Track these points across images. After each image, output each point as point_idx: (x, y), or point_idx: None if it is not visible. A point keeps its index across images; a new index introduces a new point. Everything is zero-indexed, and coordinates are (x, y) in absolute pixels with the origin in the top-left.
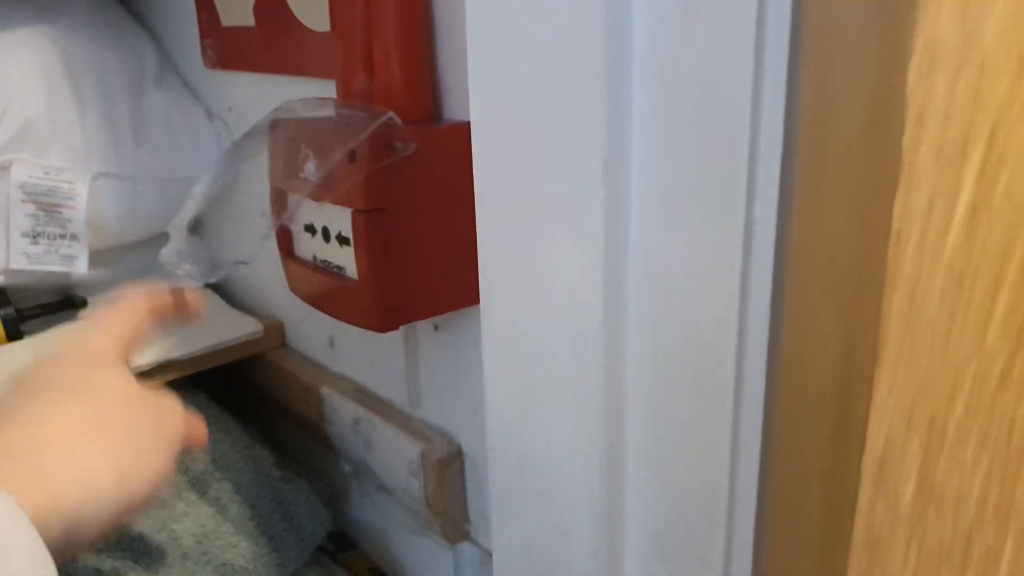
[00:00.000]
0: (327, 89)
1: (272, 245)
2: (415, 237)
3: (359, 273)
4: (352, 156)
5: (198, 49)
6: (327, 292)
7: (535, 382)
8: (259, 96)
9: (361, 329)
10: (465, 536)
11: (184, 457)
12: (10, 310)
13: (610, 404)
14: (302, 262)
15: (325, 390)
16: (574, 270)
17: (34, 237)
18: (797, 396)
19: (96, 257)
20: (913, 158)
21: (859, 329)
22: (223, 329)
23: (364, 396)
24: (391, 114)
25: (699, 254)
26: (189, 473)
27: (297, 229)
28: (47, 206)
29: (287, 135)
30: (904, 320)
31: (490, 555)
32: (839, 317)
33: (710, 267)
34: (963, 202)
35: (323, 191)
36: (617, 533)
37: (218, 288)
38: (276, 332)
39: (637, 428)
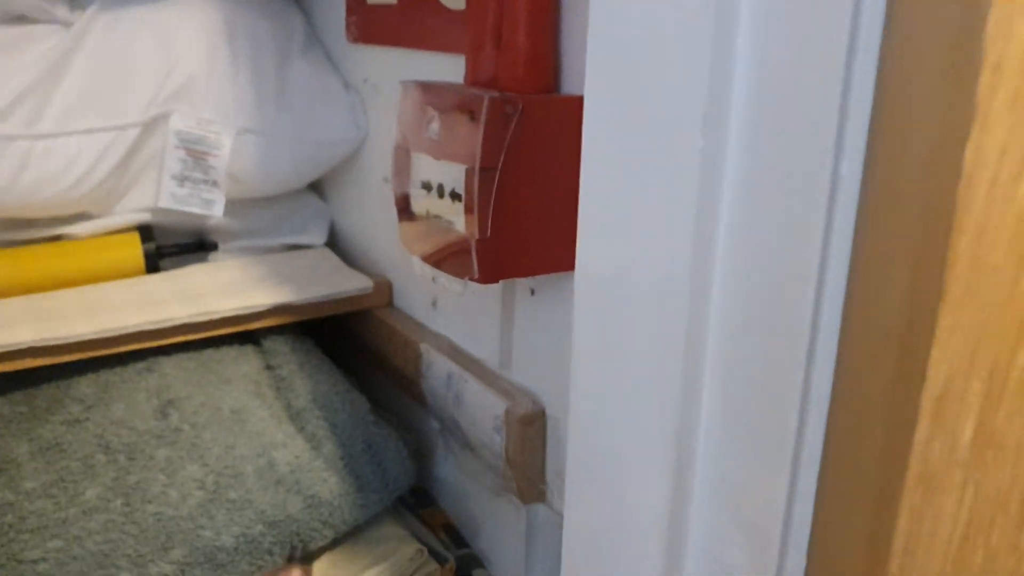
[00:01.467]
0: (457, 63)
1: (388, 211)
2: (521, 199)
3: (467, 226)
4: (472, 115)
5: (343, 24)
6: (437, 245)
7: (620, 350)
8: (393, 69)
9: (460, 292)
10: (541, 497)
11: (288, 393)
12: (151, 245)
13: (689, 349)
14: (416, 218)
15: (424, 346)
16: (666, 219)
17: (182, 180)
18: (863, 332)
19: (230, 207)
20: (988, 105)
21: (926, 268)
22: (336, 282)
23: (458, 354)
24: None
25: (788, 206)
26: (290, 408)
27: (414, 188)
28: (196, 153)
29: (416, 98)
30: (970, 262)
31: (562, 519)
32: (910, 258)
33: (798, 218)
34: None
35: (444, 148)
36: (685, 485)
37: (335, 247)
38: (385, 290)
39: (714, 374)
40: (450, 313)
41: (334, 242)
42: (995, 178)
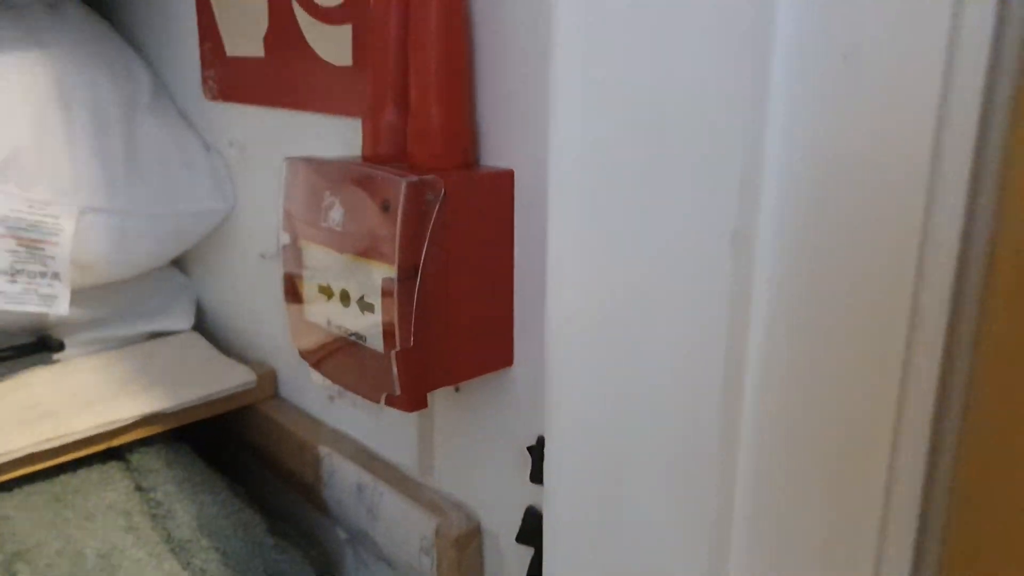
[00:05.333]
0: (344, 127)
1: (265, 290)
2: (449, 298)
3: (385, 346)
4: (386, 205)
5: (197, 79)
6: (342, 362)
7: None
8: (264, 131)
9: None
10: None
11: (167, 521)
12: None
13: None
14: (313, 324)
15: (324, 449)
16: (687, 342)
17: (12, 275)
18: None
19: (77, 295)
20: None
21: None
22: (212, 378)
23: (368, 459)
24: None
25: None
26: (171, 540)
27: (310, 286)
28: (29, 242)
29: (307, 180)
30: None
31: None
32: None
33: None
34: None
35: (348, 242)
36: None
37: (204, 330)
38: (269, 381)
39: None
40: (353, 407)
41: (202, 324)
42: None
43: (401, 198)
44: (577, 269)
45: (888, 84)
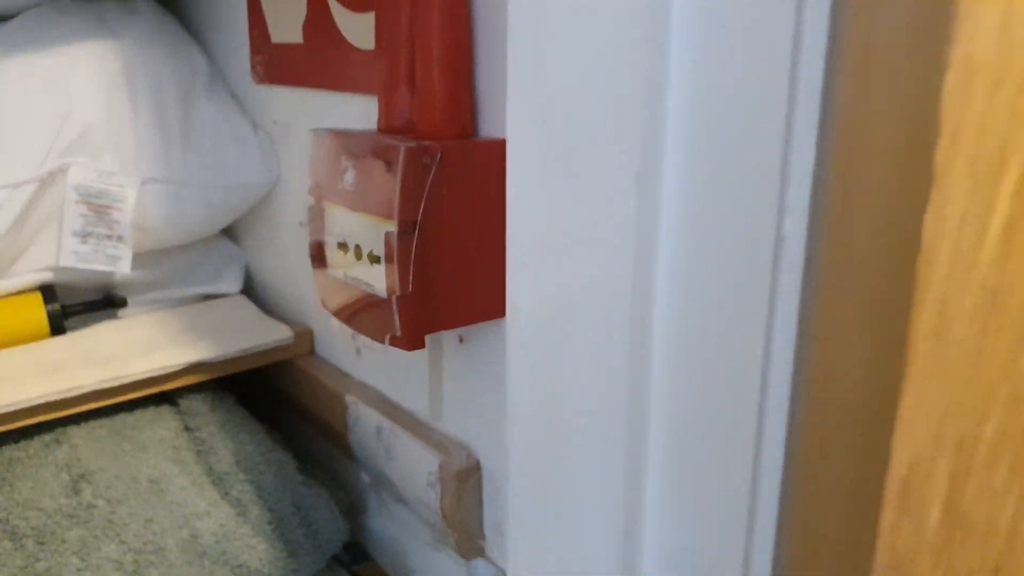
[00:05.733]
0: (370, 105)
1: (305, 256)
2: (445, 251)
3: (388, 292)
4: (388, 166)
5: (247, 64)
6: (356, 309)
7: (558, 396)
8: (303, 110)
9: (382, 351)
10: (480, 552)
11: (209, 456)
12: (56, 306)
13: (632, 418)
14: (333, 278)
15: (350, 398)
16: (602, 282)
17: (84, 237)
18: (822, 411)
19: (138, 259)
20: (946, 173)
21: (887, 344)
22: (254, 334)
23: (387, 406)
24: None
25: (728, 267)
26: (212, 473)
27: (331, 244)
28: (98, 208)
29: (329, 147)
30: (933, 336)
31: (504, 573)
32: (867, 331)
33: (739, 279)
34: (997, 219)
35: (360, 200)
36: (634, 551)
37: (252, 293)
38: (306, 339)
39: (659, 441)
40: (376, 362)
41: (250, 288)
42: (956, 248)
43: (400, 161)
44: (528, 217)
45: (750, 48)
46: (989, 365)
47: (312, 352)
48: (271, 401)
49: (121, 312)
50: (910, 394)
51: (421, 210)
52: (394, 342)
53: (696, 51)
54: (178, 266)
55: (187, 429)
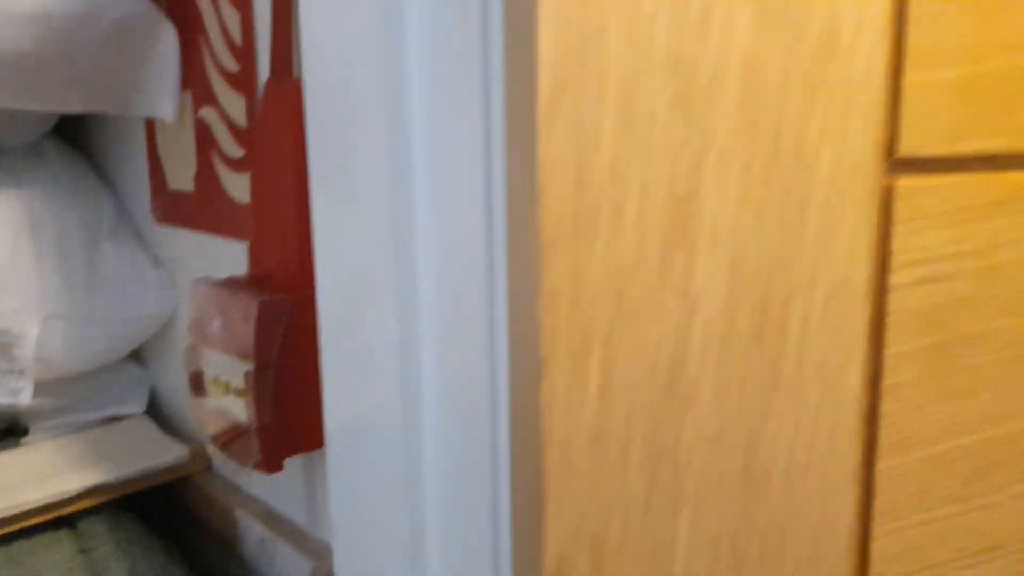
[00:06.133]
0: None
1: None
2: (298, 383)
3: (249, 423)
4: (246, 317)
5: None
6: (228, 437)
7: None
8: (195, 250)
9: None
10: None
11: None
12: None
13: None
14: (207, 408)
15: (240, 512)
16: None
17: None
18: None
19: (45, 386)
20: (550, 354)
21: (535, 474)
22: (152, 454)
23: (271, 517)
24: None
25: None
26: None
27: (207, 377)
28: None
29: (202, 296)
30: (562, 467)
31: None
32: (529, 461)
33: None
34: (592, 386)
35: (226, 344)
36: None
37: (157, 412)
38: (202, 457)
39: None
40: (263, 477)
41: (156, 406)
42: (567, 407)
43: (255, 313)
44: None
45: None
46: (604, 486)
47: (210, 468)
48: (176, 517)
49: (23, 440)
50: (551, 504)
51: (276, 351)
52: (256, 467)
53: None
54: (84, 391)
55: (83, 551)
